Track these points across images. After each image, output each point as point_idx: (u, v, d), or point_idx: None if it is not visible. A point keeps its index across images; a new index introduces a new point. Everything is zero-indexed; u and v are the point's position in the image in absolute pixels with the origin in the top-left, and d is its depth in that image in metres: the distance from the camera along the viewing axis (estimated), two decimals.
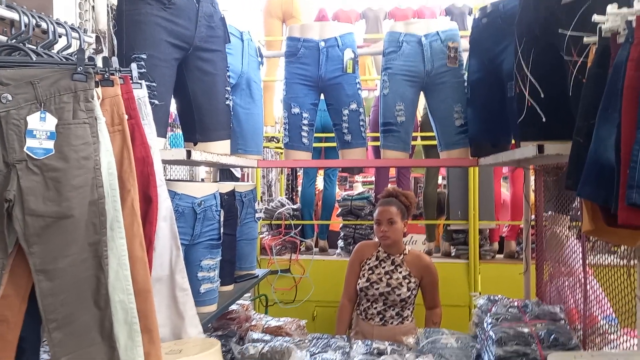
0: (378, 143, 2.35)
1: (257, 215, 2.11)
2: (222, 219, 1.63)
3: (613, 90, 1.07)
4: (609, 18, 1.15)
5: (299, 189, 4.09)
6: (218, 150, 1.72)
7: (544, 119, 1.55)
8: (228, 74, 1.82)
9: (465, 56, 2.22)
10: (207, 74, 1.70)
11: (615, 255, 2.60)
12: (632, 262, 1.49)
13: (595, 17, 1.18)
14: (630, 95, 0.98)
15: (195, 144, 1.73)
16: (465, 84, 2.18)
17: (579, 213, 1.94)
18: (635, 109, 0.97)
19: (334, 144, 2.46)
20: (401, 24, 2.23)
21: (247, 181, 4.18)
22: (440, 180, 4.16)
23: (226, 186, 1.84)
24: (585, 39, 1.30)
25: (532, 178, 2.35)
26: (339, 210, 3.52)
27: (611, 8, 1.14)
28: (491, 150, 2.05)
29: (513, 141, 2.04)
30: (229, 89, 1.80)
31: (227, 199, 1.76)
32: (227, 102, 1.79)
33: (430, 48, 2.17)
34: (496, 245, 3.58)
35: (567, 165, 1.21)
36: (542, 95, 1.54)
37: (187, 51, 1.65)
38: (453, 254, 3.51)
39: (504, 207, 3.67)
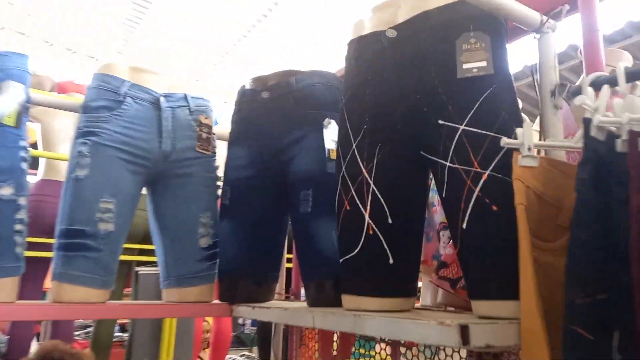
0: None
1: None
2: None
3: None
4: (598, 109, 0.65)
5: None
6: None
7: (391, 260, 0.92)
8: None
9: (221, 144, 1.47)
10: None
11: None
12: None
13: (580, 100, 0.66)
14: None
15: None
16: (220, 182, 1.40)
17: None
18: None
19: None
20: (126, 68, 1.33)
21: None
22: None
23: None
24: (505, 141, 0.77)
25: None
26: None
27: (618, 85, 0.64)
28: (252, 291, 1.29)
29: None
30: None
31: None
32: None
33: (172, 117, 1.33)
34: None
35: None
36: (391, 221, 0.93)
37: None
38: None
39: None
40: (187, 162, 1.33)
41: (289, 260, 1.82)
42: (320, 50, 3.45)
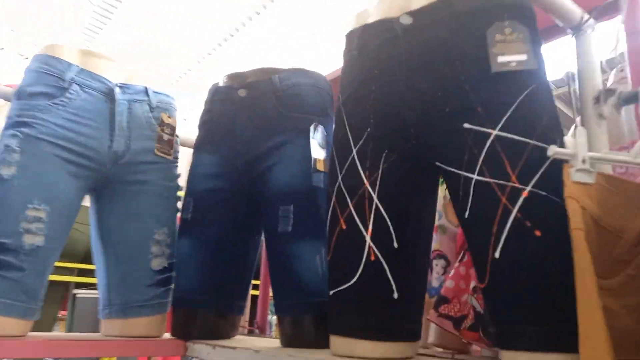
0: None
1: None
2: None
3: None
4: None
5: None
6: None
7: (395, 294, 0.74)
8: None
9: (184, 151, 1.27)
10: None
11: None
12: None
13: None
14: None
15: None
16: (182, 192, 1.19)
17: None
18: None
19: None
20: (76, 50, 1.11)
21: None
22: None
23: None
24: (554, 150, 0.62)
25: None
26: None
27: None
28: (213, 325, 1.07)
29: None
30: None
31: None
32: None
33: (128, 112, 1.11)
34: None
35: None
36: (397, 245, 0.75)
37: None
38: None
39: None
40: (143, 167, 1.11)
41: (254, 287, 1.60)
42: (316, 50, 3.23)
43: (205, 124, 1.17)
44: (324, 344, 0.94)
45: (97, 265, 1.12)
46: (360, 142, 0.79)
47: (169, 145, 1.17)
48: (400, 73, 0.77)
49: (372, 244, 0.75)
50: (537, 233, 0.62)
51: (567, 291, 0.60)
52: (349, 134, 0.81)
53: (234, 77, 1.17)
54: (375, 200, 0.76)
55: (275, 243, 1.00)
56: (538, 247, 0.62)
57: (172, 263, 1.13)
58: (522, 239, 0.63)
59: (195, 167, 1.14)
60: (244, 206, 1.10)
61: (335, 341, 0.77)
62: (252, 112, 1.08)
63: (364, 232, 0.76)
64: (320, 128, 1.06)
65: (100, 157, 1.05)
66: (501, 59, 0.69)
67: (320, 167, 1.02)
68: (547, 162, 0.65)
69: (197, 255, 1.09)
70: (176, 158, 1.20)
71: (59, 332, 2.36)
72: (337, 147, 0.84)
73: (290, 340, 0.97)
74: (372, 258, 0.75)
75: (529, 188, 0.64)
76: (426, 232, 0.81)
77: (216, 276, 1.09)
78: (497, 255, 0.64)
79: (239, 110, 1.10)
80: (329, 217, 0.82)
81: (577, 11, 0.74)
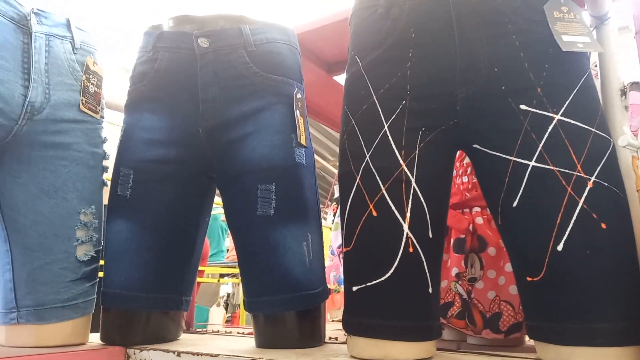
0: None
1: None
2: None
3: None
4: None
5: None
6: None
7: (430, 289, 0.67)
8: None
9: None
10: None
11: None
12: None
13: None
14: None
15: None
16: (106, 163, 0.93)
17: None
18: None
19: None
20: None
21: None
22: None
23: None
24: (626, 141, 0.60)
25: None
26: None
27: None
28: (161, 326, 0.88)
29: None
30: None
31: None
32: None
33: (47, 50, 0.82)
34: None
35: None
36: (432, 235, 0.68)
37: None
38: None
39: None
40: (64, 126, 0.84)
41: None
42: None
43: (146, 76, 0.92)
44: (307, 344, 0.84)
45: None
46: (394, 117, 0.69)
47: (96, 99, 0.91)
48: (450, 40, 0.68)
49: (410, 234, 0.66)
50: (603, 225, 0.60)
51: (635, 286, 0.59)
52: (378, 106, 0.70)
53: (185, 21, 0.95)
54: (413, 184, 0.67)
55: (252, 228, 0.84)
56: (604, 240, 0.60)
57: (99, 251, 0.89)
58: (588, 231, 0.60)
59: (133, 130, 0.91)
60: (200, 182, 0.91)
61: (359, 343, 0.67)
62: (218, 68, 0.89)
63: (401, 220, 0.66)
64: (300, 96, 0.91)
65: (10, 109, 0.76)
66: (566, 38, 0.64)
67: (303, 141, 0.89)
68: (608, 153, 0.63)
69: (138, 242, 0.87)
70: (103, 117, 0.94)
71: None
72: (360, 120, 0.71)
73: (268, 340, 0.83)
74: (411, 250, 0.66)
75: (593, 178, 0.61)
76: (446, 219, 0.75)
77: (162, 267, 0.89)
78: (560, 247, 0.61)
79: (198, 64, 0.89)
80: (349, 201, 0.70)
81: (608, 0, 0.73)
